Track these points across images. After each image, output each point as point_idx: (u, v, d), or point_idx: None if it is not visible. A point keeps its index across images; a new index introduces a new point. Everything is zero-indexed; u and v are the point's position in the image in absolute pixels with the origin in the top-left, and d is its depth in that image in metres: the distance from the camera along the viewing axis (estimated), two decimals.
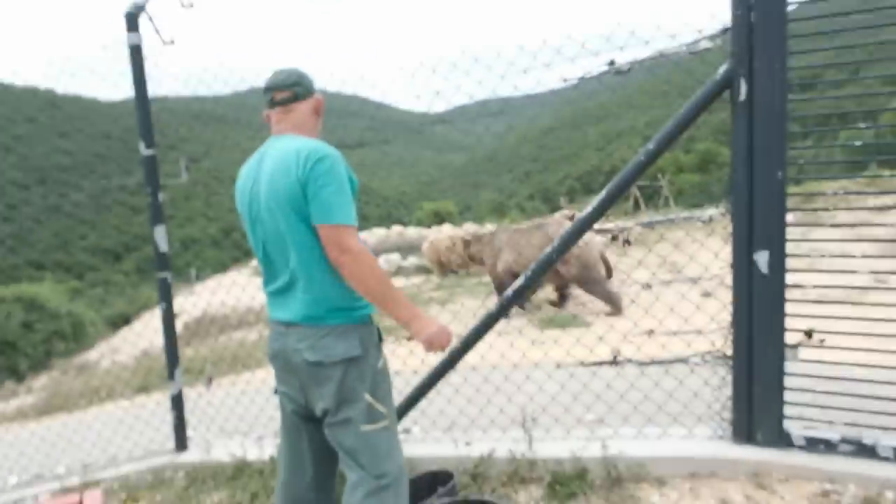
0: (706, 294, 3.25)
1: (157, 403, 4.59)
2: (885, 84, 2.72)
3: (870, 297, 4.49)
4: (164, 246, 3.74)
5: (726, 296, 2.90)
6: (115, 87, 3.95)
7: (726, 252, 2.88)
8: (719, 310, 3.00)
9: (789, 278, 2.67)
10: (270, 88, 2.22)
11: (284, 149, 2.09)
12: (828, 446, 2.72)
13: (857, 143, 2.73)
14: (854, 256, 2.68)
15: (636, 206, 24.20)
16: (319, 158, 2.01)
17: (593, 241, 8.21)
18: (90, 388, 6.98)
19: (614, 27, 2.80)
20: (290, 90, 2.21)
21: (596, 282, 7.54)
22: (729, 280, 2.83)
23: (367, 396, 2.09)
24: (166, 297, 3.81)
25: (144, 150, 3.68)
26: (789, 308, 2.69)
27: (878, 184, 7.84)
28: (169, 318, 3.84)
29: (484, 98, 3.63)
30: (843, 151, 3.12)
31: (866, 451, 2.66)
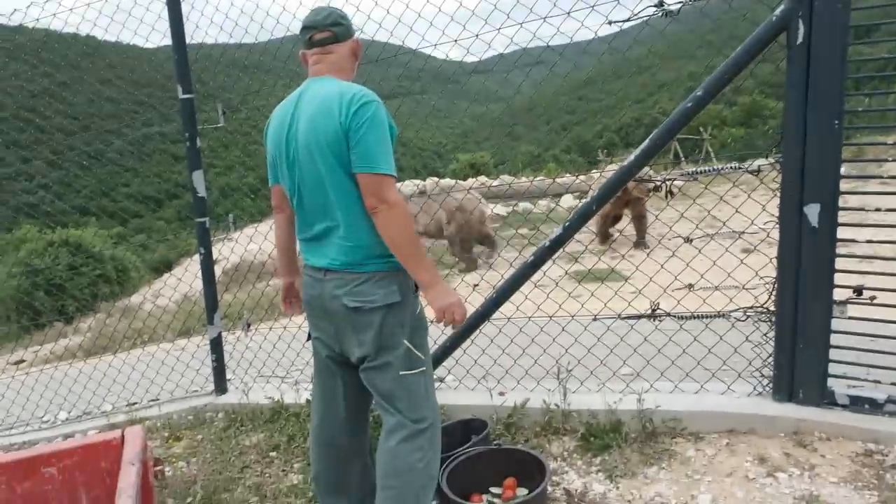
0: (748, 249, 3.14)
1: (198, 346, 4.70)
2: None
3: None
4: (201, 191, 3.76)
5: (770, 250, 2.81)
6: (155, 32, 3.92)
7: (772, 206, 2.77)
8: (763, 264, 2.91)
9: (839, 233, 2.57)
10: (309, 28, 2.15)
11: (326, 92, 2.03)
12: (873, 406, 2.65)
13: None
14: None
15: (676, 158, 23.67)
16: (364, 104, 1.96)
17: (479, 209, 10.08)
18: (134, 330, 7.19)
19: None
20: (329, 30, 2.14)
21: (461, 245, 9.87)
22: (774, 235, 2.73)
23: (406, 342, 2.09)
24: (204, 243, 3.85)
25: (182, 94, 3.67)
26: (838, 263, 2.59)
27: None
28: (207, 264, 3.89)
29: (524, 44, 3.51)
30: None
31: None
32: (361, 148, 1.94)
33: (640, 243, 9.92)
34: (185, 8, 3.61)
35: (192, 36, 3.73)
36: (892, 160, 2.83)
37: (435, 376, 3.37)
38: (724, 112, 49.81)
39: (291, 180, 2.14)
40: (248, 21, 3.78)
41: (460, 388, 3.50)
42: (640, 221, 10.03)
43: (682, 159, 23.60)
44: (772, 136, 2.69)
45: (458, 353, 3.27)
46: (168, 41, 3.71)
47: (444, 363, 3.28)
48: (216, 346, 4.00)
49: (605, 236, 10.64)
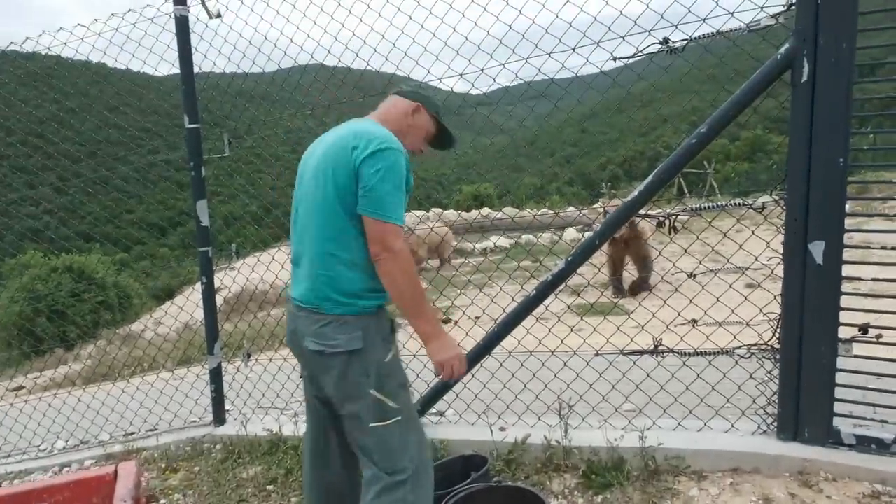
0: (752, 285, 3.12)
1: (197, 376, 4.67)
2: None
3: None
4: (205, 220, 3.77)
5: (774, 287, 2.79)
6: (163, 62, 3.98)
7: (777, 242, 2.76)
8: (767, 301, 2.89)
9: (844, 270, 2.55)
10: None
11: (355, 127, 2.06)
12: (880, 446, 2.61)
13: None
14: None
15: (680, 192, 23.76)
16: (383, 149, 1.95)
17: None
18: (134, 358, 7.15)
19: (670, 2, 2.67)
20: (401, 86, 2.27)
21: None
22: (778, 271, 2.72)
23: (373, 392, 1.99)
24: (206, 272, 3.85)
25: (189, 124, 3.70)
26: (843, 301, 2.57)
27: None
28: (209, 293, 3.88)
29: (529, 79, 3.54)
30: None
31: None
32: (374, 194, 1.92)
33: (638, 286, 8.83)
34: (193, 38, 3.66)
35: (200, 66, 3.78)
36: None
37: (434, 410, 3.34)
38: (728, 146, 50.16)
39: (295, 199, 2.17)
40: (256, 52, 3.83)
41: (460, 423, 3.46)
42: (643, 263, 8.87)
43: (687, 193, 23.68)
44: (775, 171, 2.69)
45: (458, 386, 3.23)
46: (176, 70, 3.75)
47: (444, 397, 3.25)
48: (215, 376, 3.97)
49: (618, 287, 9.13)
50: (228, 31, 3.70)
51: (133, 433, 4.25)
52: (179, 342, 6.20)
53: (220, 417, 4.04)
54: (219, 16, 3.59)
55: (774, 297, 2.79)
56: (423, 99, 2.23)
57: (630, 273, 9.45)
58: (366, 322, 2.00)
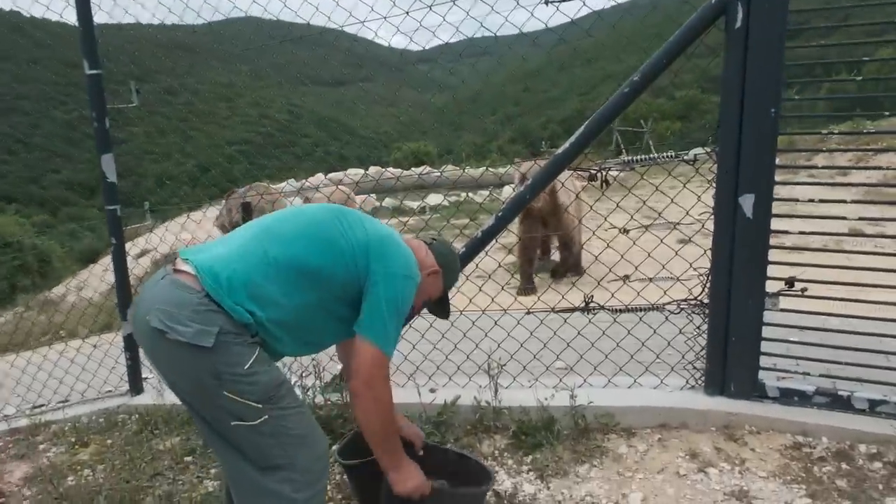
0: (684, 241, 3.07)
1: (110, 344, 4.41)
2: (870, 35, 2.52)
3: (851, 246, 4.40)
4: (112, 176, 3.49)
5: (705, 242, 2.75)
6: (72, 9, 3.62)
7: (708, 196, 2.71)
8: (698, 256, 2.86)
9: (772, 224, 2.52)
10: None
11: (389, 230, 1.95)
12: (802, 398, 2.63)
13: (855, 77, 2.55)
14: (844, 202, 2.53)
15: (618, 151, 24.06)
16: (408, 267, 1.85)
17: None
18: (52, 325, 6.76)
19: None
20: (433, 240, 2.18)
21: None
22: (710, 226, 2.67)
23: (228, 394, 1.65)
24: (116, 233, 3.58)
25: (89, 70, 3.38)
26: (771, 255, 2.55)
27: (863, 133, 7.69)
28: (119, 254, 3.62)
29: (471, 35, 3.37)
30: (831, 93, 2.95)
31: (841, 402, 2.58)
32: (381, 314, 1.78)
33: (564, 268, 6.34)
34: None
35: (100, 5, 3.46)
36: (820, 149, 2.80)
37: None
38: (665, 105, 51.02)
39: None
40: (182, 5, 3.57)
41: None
42: (566, 242, 6.37)
43: (624, 151, 24.01)
44: (708, 128, 2.62)
45: None
46: (100, 20, 3.45)
47: None
48: (131, 343, 3.74)
49: (529, 276, 6.11)
50: None
51: (42, 405, 3.99)
52: (90, 308, 5.85)
53: (136, 386, 3.82)
54: None
55: (705, 251, 2.76)
56: (447, 268, 2.11)
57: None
58: (231, 326, 1.65)
